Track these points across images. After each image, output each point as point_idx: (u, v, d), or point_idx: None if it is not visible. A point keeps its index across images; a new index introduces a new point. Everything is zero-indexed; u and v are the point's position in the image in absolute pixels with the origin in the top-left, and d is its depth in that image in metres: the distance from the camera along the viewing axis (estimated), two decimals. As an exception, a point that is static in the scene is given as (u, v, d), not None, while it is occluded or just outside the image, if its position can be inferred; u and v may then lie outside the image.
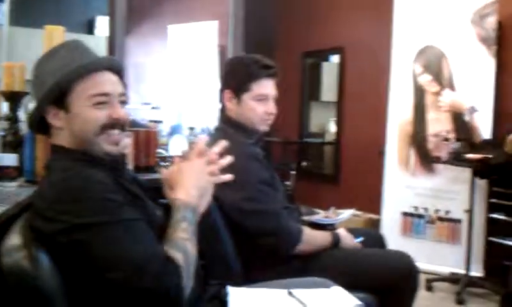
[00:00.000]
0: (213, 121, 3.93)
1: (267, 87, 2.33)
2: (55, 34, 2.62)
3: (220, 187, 2.21)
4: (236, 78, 2.33)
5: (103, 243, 1.31)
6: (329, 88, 6.79)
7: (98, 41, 6.06)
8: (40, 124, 1.54)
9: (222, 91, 2.36)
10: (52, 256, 1.35)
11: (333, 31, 6.51)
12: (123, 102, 1.55)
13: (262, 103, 2.32)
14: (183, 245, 1.41)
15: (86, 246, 1.31)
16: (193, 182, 1.54)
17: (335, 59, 6.76)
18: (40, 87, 1.50)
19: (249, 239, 2.21)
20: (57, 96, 1.47)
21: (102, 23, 6.77)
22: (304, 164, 7.17)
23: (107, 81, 1.51)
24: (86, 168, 1.43)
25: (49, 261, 1.34)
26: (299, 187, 5.55)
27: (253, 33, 5.54)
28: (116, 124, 1.51)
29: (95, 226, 1.32)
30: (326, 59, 7.15)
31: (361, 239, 2.52)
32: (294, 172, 4.78)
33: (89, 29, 7.12)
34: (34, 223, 1.38)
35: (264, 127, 2.37)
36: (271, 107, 2.34)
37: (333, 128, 6.78)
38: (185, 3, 5.83)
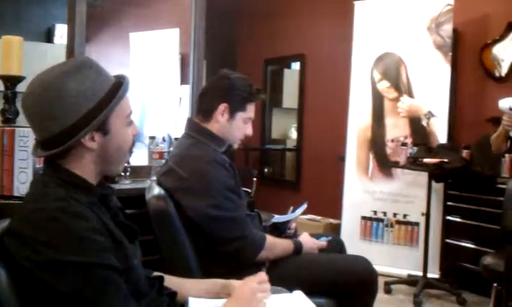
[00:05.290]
0: (174, 130, 3.92)
1: (253, 110, 2.45)
2: (13, 44, 2.59)
3: (184, 194, 2.23)
4: (238, 95, 2.37)
5: (72, 284, 1.26)
6: (290, 95, 6.87)
7: (57, 50, 5.98)
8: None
9: (217, 103, 2.35)
10: (14, 276, 1.31)
11: (294, 38, 6.59)
12: None
13: (246, 126, 2.42)
14: None
15: (56, 282, 1.26)
16: None
17: (297, 66, 6.84)
18: (69, 108, 1.35)
19: (212, 246, 2.23)
20: (102, 120, 1.39)
21: (61, 32, 6.69)
22: (265, 170, 7.22)
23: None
24: (77, 203, 1.35)
25: (7, 278, 1.30)
26: (260, 193, 5.58)
27: (215, 41, 5.57)
28: (134, 141, 1.53)
29: (70, 264, 1.26)
30: (288, 66, 7.22)
31: (329, 238, 2.64)
32: (255, 178, 4.81)
33: (48, 37, 7.01)
34: (9, 241, 1.33)
35: (236, 146, 2.46)
36: (250, 130, 2.45)
37: (294, 134, 6.86)
38: (147, 11, 5.80)
